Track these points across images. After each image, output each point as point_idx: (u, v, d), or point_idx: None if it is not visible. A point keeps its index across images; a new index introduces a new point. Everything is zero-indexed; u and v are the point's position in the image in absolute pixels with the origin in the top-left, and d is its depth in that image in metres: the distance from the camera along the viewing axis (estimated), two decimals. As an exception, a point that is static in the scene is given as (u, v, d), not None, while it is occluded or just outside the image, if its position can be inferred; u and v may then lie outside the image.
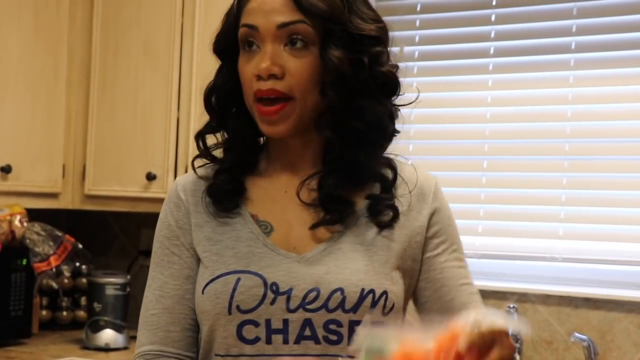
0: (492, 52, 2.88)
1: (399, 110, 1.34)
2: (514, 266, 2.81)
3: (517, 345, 2.63)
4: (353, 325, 1.25)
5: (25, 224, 2.88)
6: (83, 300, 3.22)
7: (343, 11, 1.26)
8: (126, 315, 2.95)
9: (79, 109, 3.09)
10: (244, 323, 1.26)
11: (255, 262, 1.28)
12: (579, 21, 2.76)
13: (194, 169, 1.37)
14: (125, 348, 2.90)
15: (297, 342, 1.25)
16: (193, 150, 2.89)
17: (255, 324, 1.25)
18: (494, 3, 2.88)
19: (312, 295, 1.25)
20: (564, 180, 2.76)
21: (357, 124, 1.28)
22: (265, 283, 1.26)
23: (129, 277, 3.01)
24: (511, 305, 2.63)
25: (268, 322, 1.25)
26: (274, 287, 1.26)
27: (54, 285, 3.17)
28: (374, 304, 1.25)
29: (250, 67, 1.26)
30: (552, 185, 2.77)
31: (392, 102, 1.32)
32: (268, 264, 1.27)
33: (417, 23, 2.98)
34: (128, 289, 2.97)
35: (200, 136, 1.37)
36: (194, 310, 1.33)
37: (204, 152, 1.36)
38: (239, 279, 1.26)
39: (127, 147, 3.00)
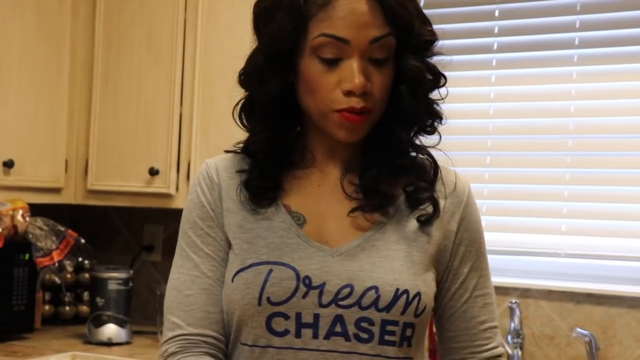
0: (495, 47, 2.88)
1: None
2: (516, 262, 2.81)
3: (519, 340, 2.63)
4: (385, 324, 1.24)
5: (27, 218, 2.88)
6: (85, 295, 3.22)
7: (416, 19, 1.28)
8: (129, 310, 2.95)
9: (82, 105, 3.09)
10: (273, 315, 1.24)
11: (288, 253, 1.26)
12: (583, 17, 2.76)
13: (234, 151, 1.36)
14: (128, 343, 2.91)
15: (327, 337, 1.24)
16: (196, 144, 2.89)
17: (286, 316, 1.24)
18: (497, -2, 2.88)
19: (346, 291, 1.24)
20: (567, 176, 2.76)
21: (424, 123, 1.32)
22: (297, 276, 1.24)
23: (131, 272, 3.01)
24: (513, 301, 2.63)
25: (299, 315, 1.24)
26: (307, 281, 1.24)
27: (57, 280, 3.17)
28: (407, 304, 1.25)
29: (332, 79, 1.24)
30: (555, 181, 2.77)
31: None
32: (301, 256, 1.26)
33: (420, 18, 2.98)
34: (131, 284, 2.97)
35: (246, 148, 1.34)
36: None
37: (248, 152, 1.34)
38: (271, 270, 1.25)
39: (130, 142, 3.00)
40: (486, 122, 2.88)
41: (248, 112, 1.33)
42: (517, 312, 2.62)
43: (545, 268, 2.76)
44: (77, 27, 3.07)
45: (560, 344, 2.65)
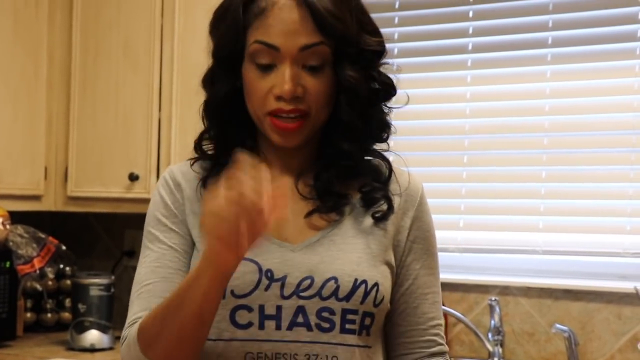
0: (470, 48, 2.91)
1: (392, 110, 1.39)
2: (495, 259, 2.83)
3: (500, 337, 2.65)
4: (345, 313, 1.28)
5: (8, 226, 2.88)
6: (67, 302, 3.21)
7: (354, 29, 1.30)
8: (111, 316, 2.95)
9: (60, 111, 3.08)
10: (237, 308, 1.28)
11: (250, 249, 1.29)
12: (555, 16, 2.79)
13: (202, 156, 1.39)
14: (111, 348, 2.91)
15: (289, 328, 1.27)
16: (175, 149, 2.90)
17: (249, 309, 1.27)
18: (471, 0, 2.91)
19: (307, 283, 1.28)
20: (543, 174, 2.79)
21: (367, 131, 1.33)
22: (260, 269, 1.28)
23: (113, 277, 3.01)
24: (493, 298, 2.66)
25: (261, 307, 1.27)
26: (269, 274, 1.28)
27: (38, 287, 3.16)
28: (366, 294, 1.29)
29: (266, 84, 1.28)
30: (531, 179, 2.80)
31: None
32: (262, 251, 1.28)
33: (396, 20, 3.00)
34: (112, 290, 2.97)
35: (199, 146, 1.38)
36: None
37: (205, 155, 1.38)
38: None
39: (109, 148, 3.00)
40: (463, 122, 2.91)
41: (206, 112, 1.38)
42: (497, 309, 2.65)
43: (524, 265, 2.79)
44: (54, 32, 3.07)
45: (540, 340, 2.68)
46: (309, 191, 1.35)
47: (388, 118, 1.37)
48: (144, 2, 2.95)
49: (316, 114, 1.30)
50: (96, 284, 2.93)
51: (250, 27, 1.29)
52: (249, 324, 1.28)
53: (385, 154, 1.40)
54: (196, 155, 1.40)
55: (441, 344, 1.39)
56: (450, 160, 2.91)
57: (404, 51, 2.97)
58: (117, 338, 2.97)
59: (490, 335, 2.65)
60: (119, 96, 2.98)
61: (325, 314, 1.28)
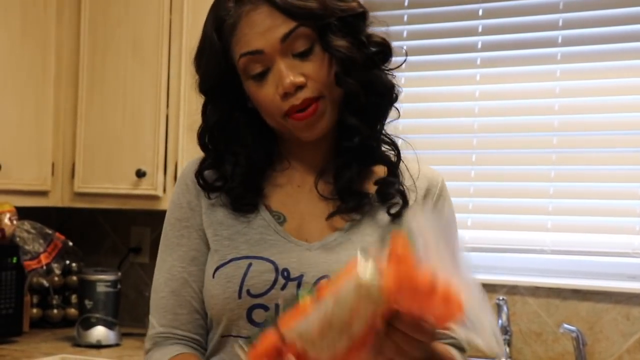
0: (479, 46, 2.90)
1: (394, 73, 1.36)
2: (503, 259, 2.82)
3: (507, 337, 2.64)
4: None
5: (15, 222, 2.88)
6: (74, 298, 3.22)
7: (324, 2, 1.27)
8: (117, 312, 2.95)
9: (68, 107, 3.08)
10: (254, 307, 1.27)
11: (267, 248, 1.29)
12: (565, 15, 2.78)
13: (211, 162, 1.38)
14: (117, 345, 2.91)
15: None
16: (182, 146, 2.89)
17: (265, 307, 1.27)
18: (480, -3, 2.90)
19: (323, 282, 1.26)
20: (552, 174, 2.78)
21: (373, 98, 1.30)
22: (276, 269, 1.27)
23: (119, 274, 3.01)
24: (501, 298, 2.65)
25: (278, 306, 1.27)
26: (285, 273, 1.27)
27: (45, 283, 3.17)
28: None
29: (269, 89, 1.27)
30: (540, 179, 2.79)
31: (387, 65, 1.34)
32: (279, 250, 1.29)
33: (405, 18, 2.99)
34: (119, 286, 2.97)
35: (200, 175, 1.38)
36: (200, 292, 1.34)
37: (207, 186, 1.37)
38: (250, 264, 1.28)
39: (117, 144, 3.00)
40: (471, 121, 2.90)
41: (211, 139, 1.39)
42: (505, 308, 2.64)
43: (532, 265, 2.78)
44: (62, 30, 3.06)
45: (547, 340, 2.67)
46: (330, 191, 1.34)
47: (391, 78, 1.33)
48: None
49: (329, 94, 1.27)
50: (103, 280, 2.93)
51: (230, 47, 1.29)
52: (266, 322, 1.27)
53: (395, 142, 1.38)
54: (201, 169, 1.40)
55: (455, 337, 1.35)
56: (459, 159, 2.90)
57: (413, 49, 2.96)
58: (124, 334, 2.98)
59: (497, 335, 2.64)
60: (127, 93, 2.98)
61: None
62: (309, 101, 1.26)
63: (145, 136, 2.94)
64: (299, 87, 1.25)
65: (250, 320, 1.28)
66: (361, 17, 1.30)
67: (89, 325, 2.89)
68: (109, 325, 2.91)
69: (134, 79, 2.97)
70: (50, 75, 3.04)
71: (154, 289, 1.39)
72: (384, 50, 1.32)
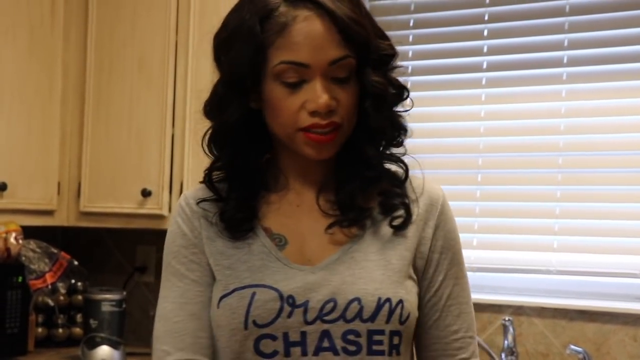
0: (485, 66, 2.90)
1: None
2: (509, 279, 2.81)
3: (513, 358, 2.63)
4: (371, 334, 1.25)
5: (20, 241, 2.88)
6: (79, 317, 3.21)
7: (373, 35, 1.29)
8: (122, 332, 2.95)
9: (74, 127, 3.09)
10: (261, 337, 1.25)
11: (270, 275, 1.27)
12: (571, 35, 2.78)
13: (210, 182, 1.38)
14: (122, 365, 2.90)
15: (315, 353, 1.25)
16: (188, 166, 2.90)
17: (273, 337, 1.25)
18: (486, 18, 2.90)
19: (329, 306, 1.25)
20: (557, 194, 2.77)
21: (390, 134, 1.33)
22: (281, 296, 1.25)
23: (124, 293, 3.01)
24: (507, 318, 2.64)
25: (285, 335, 1.25)
26: (290, 300, 1.25)
27: (50, 302, 3.16)
28: (390, 312, 1.26)
29: (296, 101, 1.26)
30: (546, 199, 2.78)
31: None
32: (283, 277, 1.27)
33: (411, 38, 3.00)
34: (124, 305, 2.96)
35: (209, 178, 1.37)
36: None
37: (216, 192, 1.36)
38: (254, 293, 1.26)
39: (122, 163, 3.00)
40: (477, 140, 2.90)
41: (216, 141, 1.36)
42: (511, 329, 2.62)
43: (538, 285, 2.77)
44: (68, 49, 3.08)
45: (553, 361, 2.66)
46: (330, 207, 1.33)
47: (403, 121, 1.36)
48: (159, 19, 2.96)
49: (347, 125, 1.28)
50: (108, 299, 2.92)
51: (272, 46, 1.25)
52: (274, 353, 1.25)
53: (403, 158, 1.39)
54: (206, 179, 1.39)
55: (466, 359, 1.35)
56: (464, 179, 2.90)
57: (418, 69, 2.96)
58: (129, 354, 2.97)
59: (503, 355, 2.63)
60: (133, 112, 2.99)
61: (350, 337, 1.25)
62: (333, 125, 1.26)
63: (150, 156, 2.95)
64: (330, 111, 1.25)
65: (258, 352, 1.25)
66: (392, 57, 1.33)
67: (94, 344, 2.88)
68: (114, 345, 2.90)
69: (139, 99, 2.98)
70: (56, 95, 3.05)
71: (163, 316, 1.32)
72: (402, 92, 1.35)
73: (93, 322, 2.90)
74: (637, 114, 2.68)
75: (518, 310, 2.71)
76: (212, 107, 1.35)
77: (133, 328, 3.24)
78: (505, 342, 2.62)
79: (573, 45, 2.78)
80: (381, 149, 1.34)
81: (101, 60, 3.06)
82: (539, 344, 2.68)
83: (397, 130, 1.34)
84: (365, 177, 1.33)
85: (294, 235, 1.32)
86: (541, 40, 2.82)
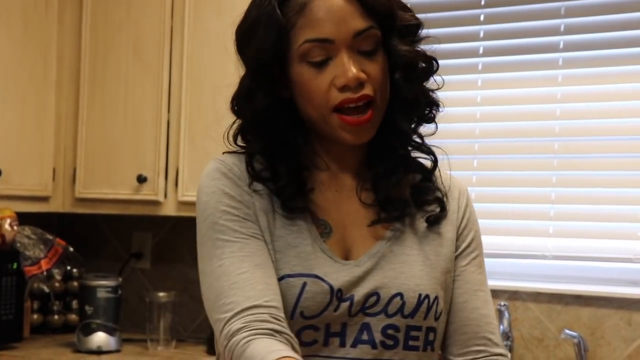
0: (481, 51, 2.90)
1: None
2: (504, 264, 2.82)
3: (509, 343, 2.64)
4: (409, 330, 1.25)
5: (15, 227, 2.88)
6: (74, 304, 3.21)
7: (395, 6, 1.28)
8: (118, 318, 2.95)
9: (69, 112, 3.08)
10: (304, 328, 1.23)
11: (319, 265, 1.24)
12: (567, 20, 2.78)
13: (250, 168, 1.28)
14: (117, 351, 2.90)
15: (353, 345, 1.24)
16: (184, 151, 2.89)
17: (316, 328, 1.24)
18: (482, 3, 2.90)
19: (372, 300, 1.25)
20: (553, 179, 2.78)
21: (423, 107, 1.31)
22: (331, 290, 1.23)
23: (120, 279, 3.01)
24: (502, 303, 2.64)
25: (327, 326, 1.24)
26: (339, 294, 1.24)
27: (45, 288, 3.16)
28: (428, 309, 1.26)
29: (324, 79, 1.22)
30: (541, 184, 2.78)
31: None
32: (332, 269, 1.24)
33: (406, 23, 2.99)
34: (120, 292, 2.96)
35: (250, 164, 1.28)
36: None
37: (258, 178, 1.27)
38: (304, 284, 1.23)
39: (118, 149, 3.00)
40: (473, 126, 2.89)
41: (247, 132, 1.31)
42: (506, 314, 2.63)
43: (533, 270, 2.78)
44: (63, 34, 3.07)
45: (549, 346, 2.67)
46: (369, 197, 1.31)
47: (435, 96, 1.33)
48: (154, 3, 2.95)
49: (381, 100, 1.25)
50: (103, 285, 2.92)
51: (294, 27, 1.22)
52: (314, 342, 1.24)
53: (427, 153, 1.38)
54: (240, 150, 1.31)
55: (498, 346, 1.31)
56: (460, 165, 2.89)
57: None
58: (124, 340, 2.97)
59: (499, 340, 2.63)
60: (128, 97, 2.98)
61: (390, 331, 1.25)
62: (366, 98, 1.22)
63: (146, 141, 2.94)
64: (360, 84, 1.22)
65: (298, 340, 1.21)
66: (416, 28, 1.31)
67: (89, 331, 2.89)
68: (110, 331, 2.90)
69: (135, 84, 2.97)
70: (51, 80, 3.04)
71: (222, 273, 1.19)
72: (432, 63, 1.32)
73: (89, 309, 2.90)
74: (634, 98, 2.68)
75: (513, 295, 2.71)
76: (240, 100, 1.29)
77: (129, 314, 3.24)
78: (501, 327, 2.63)
79: (569, 30, 2.77)
80: (413, 125, 1.31)
81: (96, 45, 3.04)
82: (534, 328, 2.69)
83: (429, 104, 1.31)
84: (400, 170, 1.31)
85: (337, 223, 1.29)
86: (537, 26, 2.81)
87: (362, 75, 1.22)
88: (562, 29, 2.78)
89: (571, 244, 2.73)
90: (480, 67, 2.89)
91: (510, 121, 2.85)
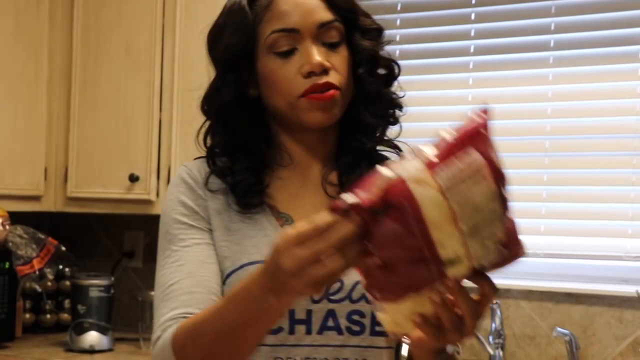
0: (472, 50, 2.90)
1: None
2: (496, 263, 2.82)
3: (500, 341, 2.64)
4: (375, 316, 1.25)
5: (7, 227, 2.87)
6: (67, 303, 3.21)
7: (358, 7, 1.34)
8: (110, 317, 2.95)
9: (61, 111, 3.08)
10: None
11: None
12: (558, 19, 2.78)
13: (211, 162, 1.34)
14: (110, 350, 2.90)
15: (319, 332, 1.27)
16: (176, 150, 2.89)
17: None
18: (473, 2, 2.90)
19: (336, 286, 1.27)
20: (544, 177, 2.78)
21: (387, 104, 1.35)
22: None
23: (112, 278, 3.01)
24: (494, 302, 2.65)
25: (291, 312, 1.26)
26: None
27: (37, 288, 3.16)
28: None
29: (290, 68, 1.27)
30: (533, 182, 2.79)
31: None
32: None
33: (398, 22, 3.00)
34: (112, 291, 2.96)
35: (212, 158, 1.34)
36: (217, 274, 1.28)
37: (219, 172, 1.33)
38: None
39: (110, 148, 2.99)
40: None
41: (213, 129, 1.35)
42: (498, 312, 2.64)
43: (525, 268, 2.78)
44: (55, 32, 3.06)
45: (540, 344, 2.67)
46: (334, 189, 1.34)
47: (397, 98, 1.37)
48: (145, 2, 2.94)
49: (345, 89, 1.30)
50: (96, 285, 2.92)
51: (261, 22, 1.29)
52: (279, 329, 1.26)
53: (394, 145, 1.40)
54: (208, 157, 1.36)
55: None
56: (452, 163, 2.90)
57: (405, 53, 2.95)
58: (117, 340, 2.97)
59: (491, 338, 2.64)
60: (120, 97, 2.98)
61: (355, 317, 1.27)
62: (330, 85, 1.27)
63: (138, 140, 2.94)
64: (324, 71, 1.27)
65: None
66: (381, 32, 1.36)
67: (82, 330, 2.88)
68: (102, 330, 2.90)
69: (126, 83, 2.97)
70: (42, 80, 3.03)
71: (161, 284, 1.28)
72: (394, 67, 1.37)
73: (81, 308, 2.90)
74: (624, 97, 2.69)
75: (505, 294, 2.72)
76: (208, 99, 1.35)
77: (121, 314, 3.23)
78: (493, 325, 2.64)
79: (560, 29, 2.78)
80: (378, 121, 1.35)
81: (87, 43, 3.04)
82: (526, 326, 2.69)
83: (393, 103, 1.36)
84: (368, 165, 1.33)
85: (300, 216, 1.31)
86: (528, 24, 2.82)
87: (327, 63, 1.27)
88: (552, 27, 2.79)
89: (563, 241, 2.74)
90: (471, 65, 2.90)
91: (501, 119, 2.85)
